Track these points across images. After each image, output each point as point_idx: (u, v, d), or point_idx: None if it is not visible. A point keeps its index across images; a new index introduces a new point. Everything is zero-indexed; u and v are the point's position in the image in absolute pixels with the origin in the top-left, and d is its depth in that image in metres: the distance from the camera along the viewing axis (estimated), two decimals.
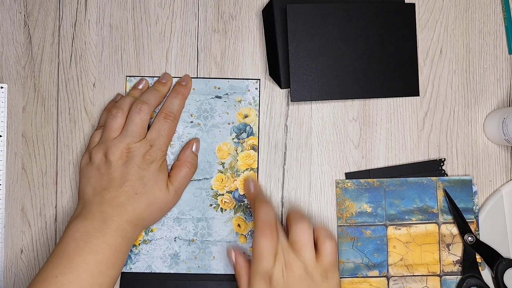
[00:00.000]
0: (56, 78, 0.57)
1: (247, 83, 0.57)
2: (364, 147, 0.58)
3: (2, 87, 0.56)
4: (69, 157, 0.56)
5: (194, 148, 0.55)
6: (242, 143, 0.57)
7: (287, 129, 0.58)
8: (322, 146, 0.57)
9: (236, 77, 0.57)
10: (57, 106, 0.57)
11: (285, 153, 0.57)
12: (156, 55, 0.57)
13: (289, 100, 0.57)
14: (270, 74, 0.57)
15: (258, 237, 0.48)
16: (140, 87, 0.55)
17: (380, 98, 0.58)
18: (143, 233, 0.56)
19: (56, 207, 0.56)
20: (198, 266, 0.56)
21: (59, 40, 0.57)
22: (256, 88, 0.57)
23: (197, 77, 0.57)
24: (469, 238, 0.55)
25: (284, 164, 0.57)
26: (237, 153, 0.57)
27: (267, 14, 0.56)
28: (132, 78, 0.57)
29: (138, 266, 0.56)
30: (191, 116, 0.56)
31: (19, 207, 0.56)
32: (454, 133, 0.58)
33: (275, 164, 0.57)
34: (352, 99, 0.58)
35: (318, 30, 0.55)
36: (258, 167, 0.57)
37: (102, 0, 0.57)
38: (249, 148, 0.57)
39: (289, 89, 0.57)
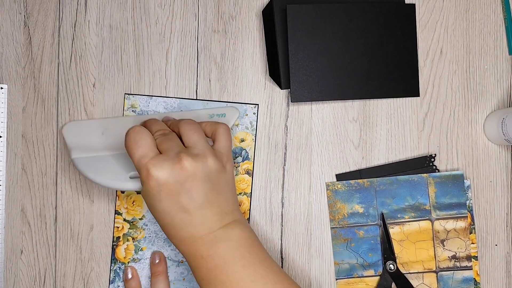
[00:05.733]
0: (56, 79, 0.57)
1: (245, 108, 0.57)
2: (364, 148, 0.58)
3: (2, 88, 0.56)
4: (69, 158, 0.56)
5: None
6: (237, 167, 0.57)
7: (287, 129, 0.57)
8: (322, 146, 0.57)
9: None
10: (57, 107, 0.56)
11: (285, 153, 0.57)
12: (156, 55, 0.57)
13: (289, 100, 0.57)
14: (270, 75, 0.57)
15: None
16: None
17: (380, 99, 0.58)
18: (133, 252, 0.56)
19: (56, 207, 0.56)
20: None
21: (59, 40, 0.57)
22: (254, 113, 0.57)
23: (196, 99, 0.57)
24: (391, 266, 0.55)
25: (284, 165, 0.57)
26: None
27: (267, 14, 0.56)
28: (131, 96, 0.56)
29: None
30: None
31: (19, 208, 0.56)
32: (454, 134, 0.58)
33: (275, 164, 0.57)
34: (352, 99, 0.57)
35: (318, 30, 0.55)
36: (251, 192, 0.57)
37: (102, 0, 0.57)
38: (244, 172, 0.57)
39: (289, 89, 0.57)
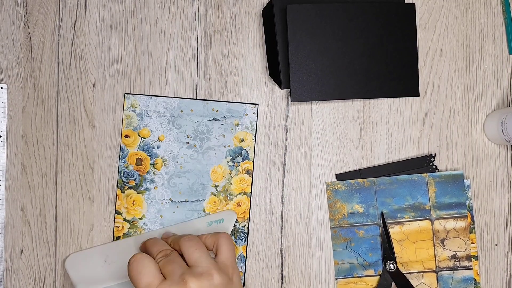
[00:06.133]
0: (56, 78, 0.57)
1: (245, 107, 0.57)
2: (364, 147, 0.58)
3: (2, 88, 0.56)
4: (68, 158, 0.56)
5: None
6: (236, 167, 0.57)
7: (287, 129, 0.57)
8: (322, 146, 0.57)
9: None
10: (57, 107, 0.57)
11: (285, 153, 0.57)
12: (156, 55, 0.57)
13: (289, 100, 0.57)
14: (270, 74, 0.57)
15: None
16: None
17: (380, 98, 0.58)
18: None
19: (56, 207, 0.56)
20: None
21: (59, 40, 0.57)
22: (254, 113, 0.57)
23: (196, 99, 0.57)
24: (391, 265, 0.55)
25: (284, 164, 0.57)
26: (231, 177, 0.56)
27: (267, 14, 0.56)
28: (131, 96, 0.56)
29: None
30: (187, 137, 0.56)
31: (19, 208, 0.56)
32: (454, 133, 0.58)
33: (275, 164, 0.57)
34: (352, 99, 0.58)
35: (318, 30, 0.55)
36: (251, 192, 0.57)
37: (102, 0, 0.57)
38: (244, 172, 0.57)
39: (289, 89, 0.57)
